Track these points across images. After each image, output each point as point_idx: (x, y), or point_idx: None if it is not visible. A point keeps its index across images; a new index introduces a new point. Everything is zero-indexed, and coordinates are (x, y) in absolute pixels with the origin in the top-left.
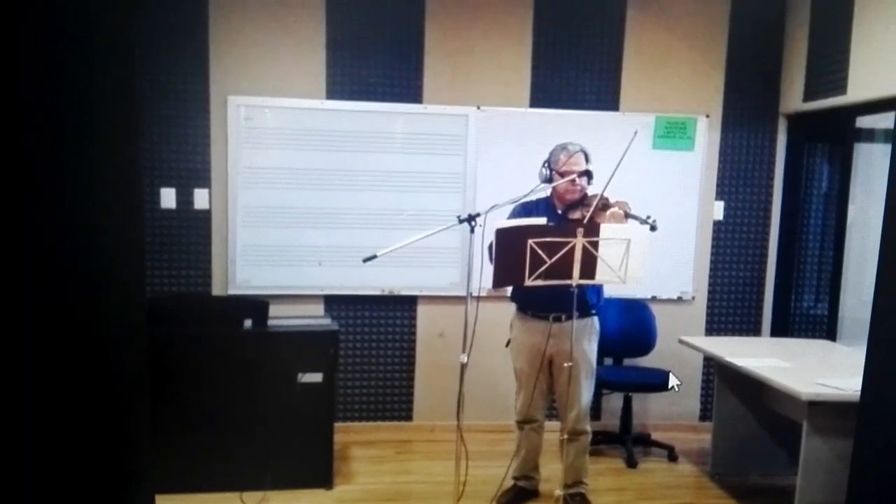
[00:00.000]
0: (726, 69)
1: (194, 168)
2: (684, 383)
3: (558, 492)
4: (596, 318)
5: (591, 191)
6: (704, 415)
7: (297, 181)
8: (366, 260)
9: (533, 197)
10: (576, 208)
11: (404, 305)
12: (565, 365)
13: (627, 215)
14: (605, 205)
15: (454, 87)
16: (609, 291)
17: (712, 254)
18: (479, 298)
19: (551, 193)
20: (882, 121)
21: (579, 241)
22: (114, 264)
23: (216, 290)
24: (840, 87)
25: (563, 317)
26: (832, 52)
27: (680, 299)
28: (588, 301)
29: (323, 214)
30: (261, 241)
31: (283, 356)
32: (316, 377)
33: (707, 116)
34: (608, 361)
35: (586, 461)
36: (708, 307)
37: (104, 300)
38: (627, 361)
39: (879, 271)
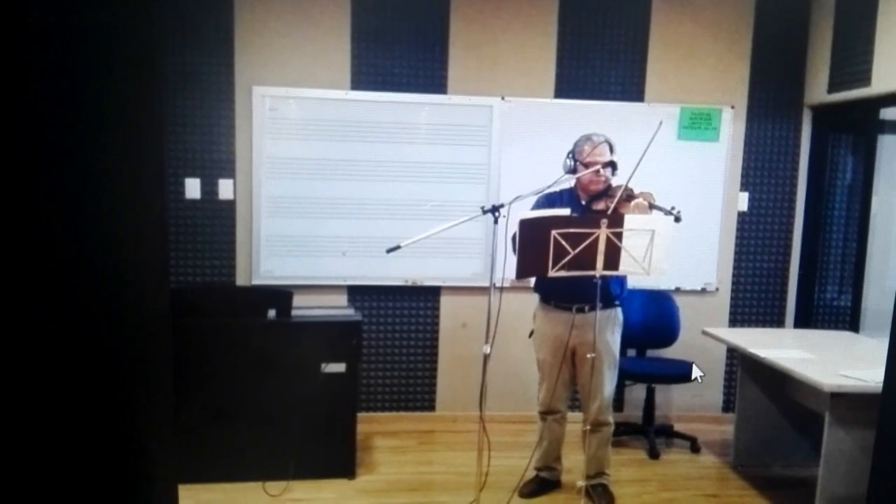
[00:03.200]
0: (751, 60)
1: (219, 158)
2: (707, 374)
3: (580, 483)
4: (619, 309)
5: (615, 181)
6: (727, 406)
7: (322, 171)
8: (389, 250)
9: (557, 188)
10: (600, 199)
11: (427, 296)
12: (588, 356)
13: (652, 206)
14: (629, 196)
15: (479, 77)
16: (633, 282)
17: (736, 245)
18: (502, 289)
19: (575, 184)
20: None
21: (603, 232)
22: (138, 254)
23: (240, 281)
24: (864, 78)
25: (587, 308)
26: (857, 43)
27: (704, 290)
28: (611, 292)
29: (347, 205)
30: (285, 232)
31: (306, 346)
32: (339, 367)
33: (732, 107)
34: (631, 352)
35: (609, 452)
36: (732, 298)
37: (128, 291)
38: (650, 352)
39: None
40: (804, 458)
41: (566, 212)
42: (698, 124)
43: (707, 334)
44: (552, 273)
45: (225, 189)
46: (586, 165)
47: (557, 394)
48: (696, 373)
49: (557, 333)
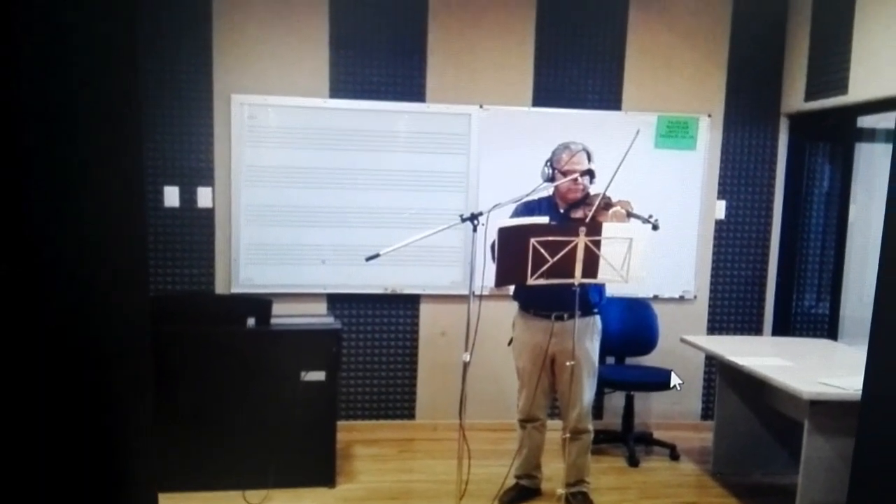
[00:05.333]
0: (728, 69)
1: (198, 166)
2: (686, 382)
3: (560, 490)
4: (598, 317)
5: (593, 190)
6: (706, 414)
7: (301, 180)
8: (369, 259)
9: (535, 196)
10: (578, 207)
11: (407, 304)
12: (567, 364)
13: (629, 214)
14: (607, 204)
15: (457, 86)
16: (611, 290)
17: (714, 253)
18: (481, 297)
19: (553, 192)
20: (883, 120)
21: (581, 240)
22: (117, 263)
23: (219, 289)
24: (841, 86)
25: (566, 315)
26: (833, 51)
27: (682, 298)
28: (590, 300)
29: (326, 213)
30: (264, 240)
31: (285, 355)
32: (319, 376)
33: (709, 116)
34: (610, 360)
35: (588, 460)
36: (710, 306)
37: (107, 299)
38: (629, 360)
39: (880, 271)
40: (783, 465)
41: (545, 220)
42: (675, 133)
43: (685, 342)
44: (531, 281)
45: (204, 197)
46: (564, 174)
47: (537, 401)
48: (674, 380)
49: (537, 341)
